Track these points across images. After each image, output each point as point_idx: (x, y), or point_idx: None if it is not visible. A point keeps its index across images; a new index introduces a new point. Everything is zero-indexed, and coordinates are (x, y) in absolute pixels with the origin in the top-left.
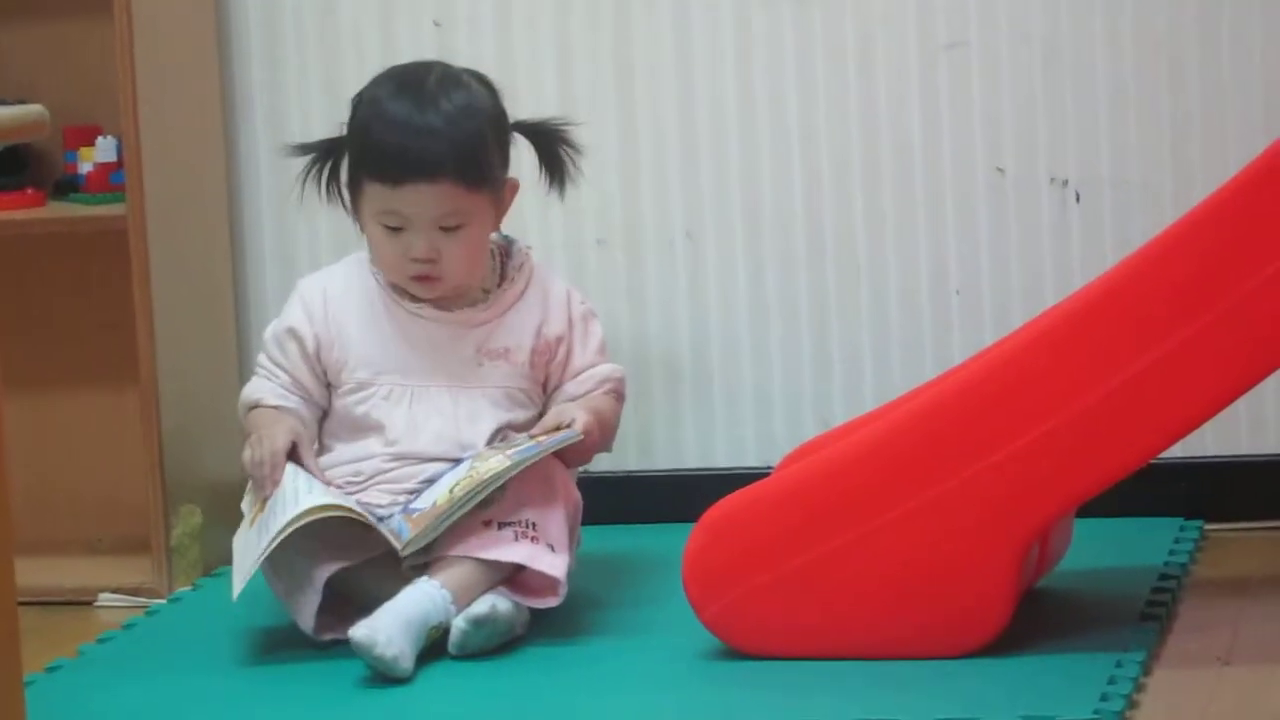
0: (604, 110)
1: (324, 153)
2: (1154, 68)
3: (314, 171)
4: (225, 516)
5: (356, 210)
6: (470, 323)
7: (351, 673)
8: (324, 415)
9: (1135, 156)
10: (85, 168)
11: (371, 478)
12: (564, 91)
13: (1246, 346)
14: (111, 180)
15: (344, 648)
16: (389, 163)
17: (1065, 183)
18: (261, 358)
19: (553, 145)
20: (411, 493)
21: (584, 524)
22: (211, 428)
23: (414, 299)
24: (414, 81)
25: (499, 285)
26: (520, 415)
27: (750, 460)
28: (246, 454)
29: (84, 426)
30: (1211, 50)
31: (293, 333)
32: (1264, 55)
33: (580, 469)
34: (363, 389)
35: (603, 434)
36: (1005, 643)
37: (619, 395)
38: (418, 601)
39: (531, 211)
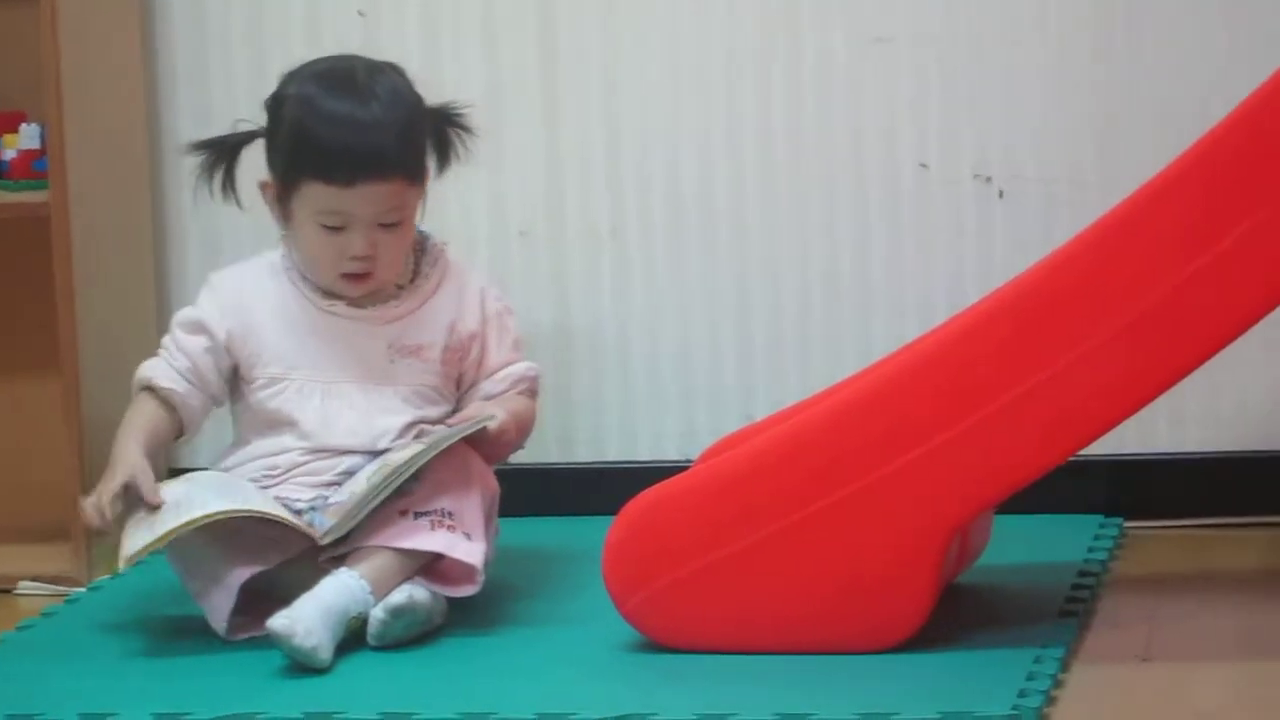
0: (528, 102)
1: (223, 151)
2: (1079, 65)
3: (210, 171)
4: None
5: (285, 209)
6: (383, 319)
7: (271, 662)
8: (215, 407)
9: (1059, 154)
10: (8, 154)
11: (288, 471)
12: (489, 83)
13: (1167, 344)
14: (34, 167)
15: (262, 639)
16: (340, 164)
17: (989, 179)
18: (166, 339)
19: (445, 128)
20: (330, 485)
21: (505, 516)
22: None
23: (327, 296)
24: (344, 77)
25: (412, 281)
26: (433, 412)
27: (672, 453)
28: (90, 499)
29: (4, 414)
30: (1136, 48)
31: (202, 324)
32: (1189, 53)
33: (499, 464)
34: (275, 384)
35: (519, 433)
36: (924, 638)
37: (534, 393)
38: (336, 592)
39: (454, 202)
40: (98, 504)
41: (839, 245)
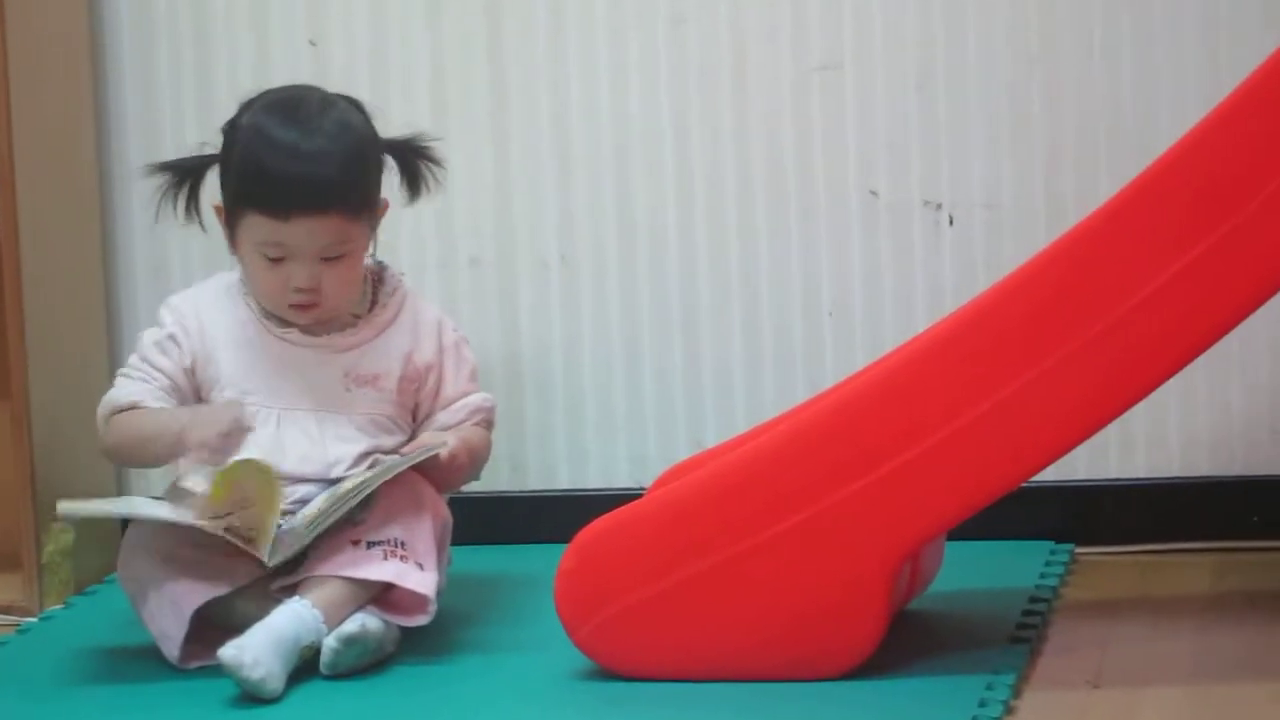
0: (478, 129)
1: (186, 173)
2: (1027, 92)
3: (172, 192)
4: (97, 534)
5: (232, 236)
6: (338, 347)
7: (223, 692)
8: None
9: (1008, 181)
10: None
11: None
12: (438, 111)
13: (1119, 369)
14: None
15: (214, 668)
16: (278, 196)
17: (939, 206)
18: (134, 359)
19: (413, 161)
20: (283, 514)
21: (456, 544)
22: (83, 443)
23: (282, 323)
24: (293, 108)
25: (370, 310)
26: (387, 441)
27: (623, 481)
28: (202, 433)
29: None
30: (1086, 76)
31: (174, 339)
32: (1135, 82)
33: (451, 492)
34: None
35: (472, 462)
36: (876, 665)
37: (489, 424)
38: (288, 621)
39: (405, 230)
40: (206, 441)
41: (789, 273)
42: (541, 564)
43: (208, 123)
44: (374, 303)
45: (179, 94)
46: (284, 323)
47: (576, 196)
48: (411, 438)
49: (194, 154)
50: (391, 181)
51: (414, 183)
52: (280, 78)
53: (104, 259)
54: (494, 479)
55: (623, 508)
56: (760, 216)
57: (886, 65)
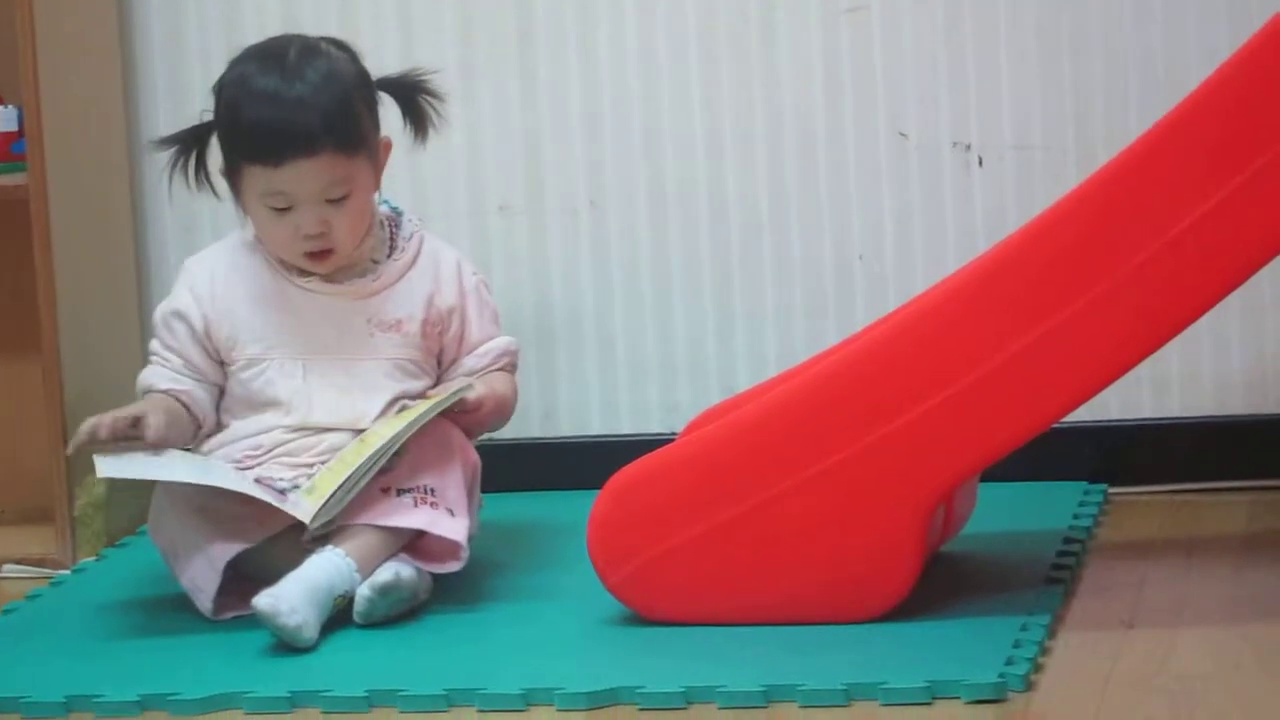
0: (506, 76)
1: (189, 142)
2: (1056, 32)
3: (180, 163)
4: (128, 486)
5: (237, 195)
6: (360, 294)
7: (256, 642)
8: (222, 394)
9: (1038, 121)
10: None
11: (270, 450)
12: (466, 58)
13: (1151, 308)
14: (13, 150)
15: (247, 619)
16: (266, 143)
17: (968, 147)
18: (154, 343)
19: (413, 96)
20: (310, 465)
21: (489, 492)
22: (114, 396)
23: (303, 273)
24: (275, 57)
25: (389, 256)
26: (414, 386)
27: (655, 426)
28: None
29: None
30: (1114, 14)
31: (179, 314)
32: (1166, 19)
33: (483, 437)
34: (254, 365)
35: (499, 406)
36: (910, 607)
37: (514, 367)
38: (322, 570)
39: (434, 177)
40: (102, 420)
41: (819, 216)
42: (574, 511)
43: None
44: (392, 248)
45: (206, 47)
46: (304, 272)
47: (605, 142)
48: (438, 384)
49: (193, 124)
50: (403, 142)
51: (418, 120)
52: (307, 28)
53: (134, 213)
54: (526, 426)
55: (655, 453)
56: (789, 160)
57: (914, 6)
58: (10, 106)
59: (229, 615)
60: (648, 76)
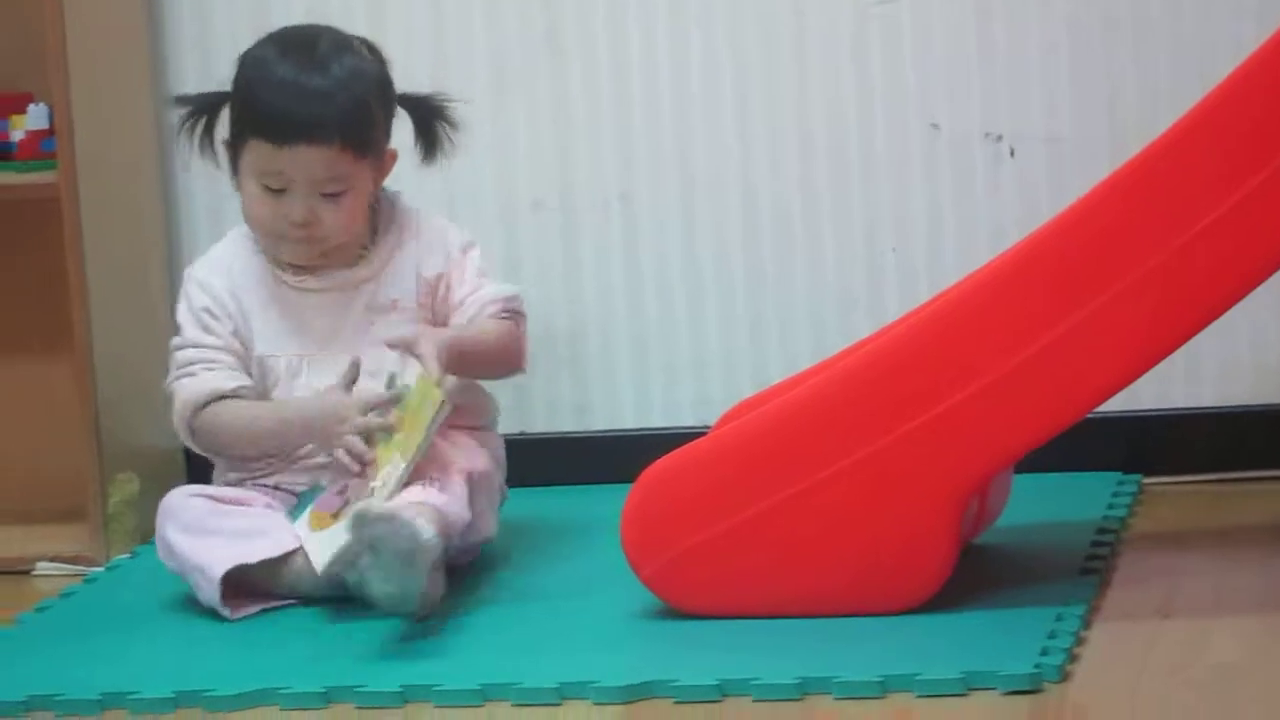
0: (538, 72)
1: (203, 108)
2: (1087, 23)
3: (190, 125)
4: (161, 483)
5: (235, 166)
6: (353, 283)
7: (291, 639)
8: None
9: (1069, 112)
10: (16, 135)
11: (287, 455)
12: (497, 53)
13: (1180, 300)
14: (43, 148)
15: (283, 616)
16: (276, 121)
17: (999, 138)
18: (188, 352)
19: (430, 120)
20: (321, 467)
21: (521, 486)
22: (146, 394)
23: (295, 271)
24: (304, 44)
25: (373, 241)
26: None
27: (687, 420)
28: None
29: (18, 395)
30: (1143, 4)
31: (209, 312)
32: (1196, 11)
33: (516, 431)
34: (262, 366)
35: (481, 352)
36: (945, 598)
37: (513, 313)
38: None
39: (464, 174)
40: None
41: (850, 208)
42: (608, 505)
43: None
44: (376, 230)
45: (235, 42)
46: (297, 270)
47: (637, 138)
48: None
49: (213, 90)
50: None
51: (430, 143)
52: (335, 16)
53: (165, 208)
54: (559, 421)
55: (688, 446)
56: (820, 153)
57: None
58: (41, 105)
59: (245, 614)
60: (679, 72)
